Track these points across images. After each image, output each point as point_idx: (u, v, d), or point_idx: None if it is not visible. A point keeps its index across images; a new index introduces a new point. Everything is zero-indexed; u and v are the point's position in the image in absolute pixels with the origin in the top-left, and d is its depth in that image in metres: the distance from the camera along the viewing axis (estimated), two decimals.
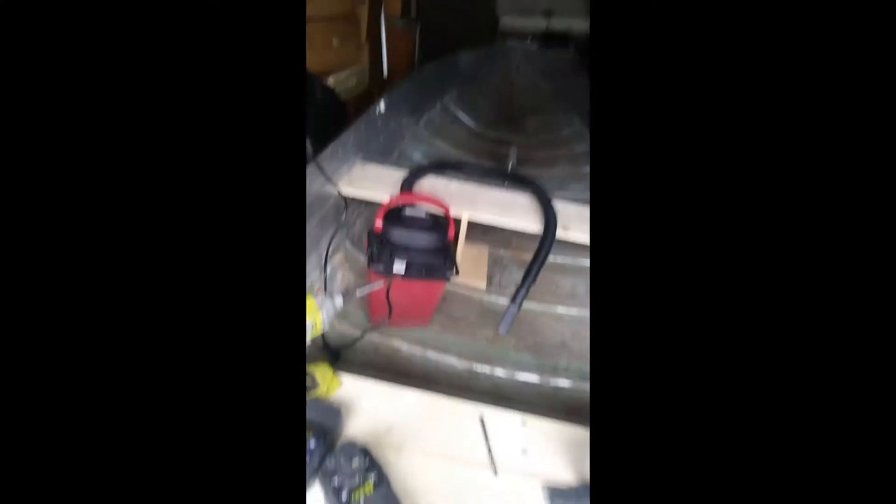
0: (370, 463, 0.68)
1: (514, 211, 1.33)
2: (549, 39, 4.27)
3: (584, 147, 2.42)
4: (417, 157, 2.09)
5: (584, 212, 1.39)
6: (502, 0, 4.46)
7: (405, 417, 0.81)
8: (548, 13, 4.42)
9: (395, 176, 1.42)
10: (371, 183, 1.36)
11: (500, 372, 1.13)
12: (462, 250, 1.37)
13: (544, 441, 0.80)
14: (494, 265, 1.53)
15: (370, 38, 2.79)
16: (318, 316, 0.76)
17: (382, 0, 2.92)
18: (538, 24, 4.36)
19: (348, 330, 1.17)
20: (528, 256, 1.20)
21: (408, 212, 1.07)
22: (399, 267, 0.99)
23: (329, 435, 0.72)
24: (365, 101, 2.49)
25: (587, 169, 2.19)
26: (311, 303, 0.76)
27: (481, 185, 1.48)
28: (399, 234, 1.01)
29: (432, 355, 1.15)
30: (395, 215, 1.05)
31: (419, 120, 2.32)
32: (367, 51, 2.80)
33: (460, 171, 1.60)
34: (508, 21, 4.42)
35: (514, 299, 1.14)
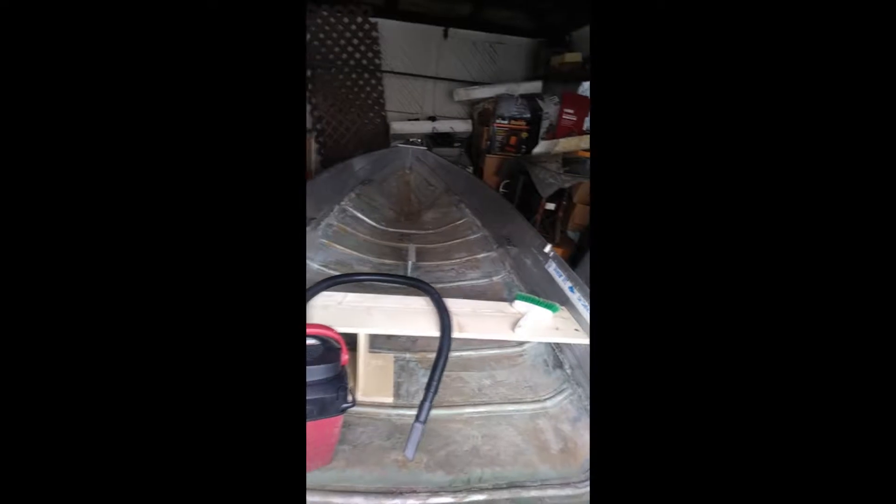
0: None
1: (409, 317, 1.35)
2: (436, 140, 4.73)
3: (476, 234, 2.59)
4: (316, 265, 2.07)
5: (477, 306, 1.46)
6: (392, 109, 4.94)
7: None
8: (432, 118, 4.96)
9: None
10: None
11: (412, 502, 1.05)
12: (364, 364, 1.33)
13: None
14: (401, 371, 1.49)
15: None
16: None
17: None
18: (425, 127, 4.84)
19: None
20: (434, 356, 1.19)
21: None
22: None
23: None
24: None
25: (482, 255, 2.32)
26: None
27: (377, 294, 1.48)
28: None
29: (337, 501, 1.03)
30: None
31: (316, 227, 2.33)
32: None
33: (353, 282, 1.59)
34: (398, 126, 4.84)
35: (418, 417, 1.10)
